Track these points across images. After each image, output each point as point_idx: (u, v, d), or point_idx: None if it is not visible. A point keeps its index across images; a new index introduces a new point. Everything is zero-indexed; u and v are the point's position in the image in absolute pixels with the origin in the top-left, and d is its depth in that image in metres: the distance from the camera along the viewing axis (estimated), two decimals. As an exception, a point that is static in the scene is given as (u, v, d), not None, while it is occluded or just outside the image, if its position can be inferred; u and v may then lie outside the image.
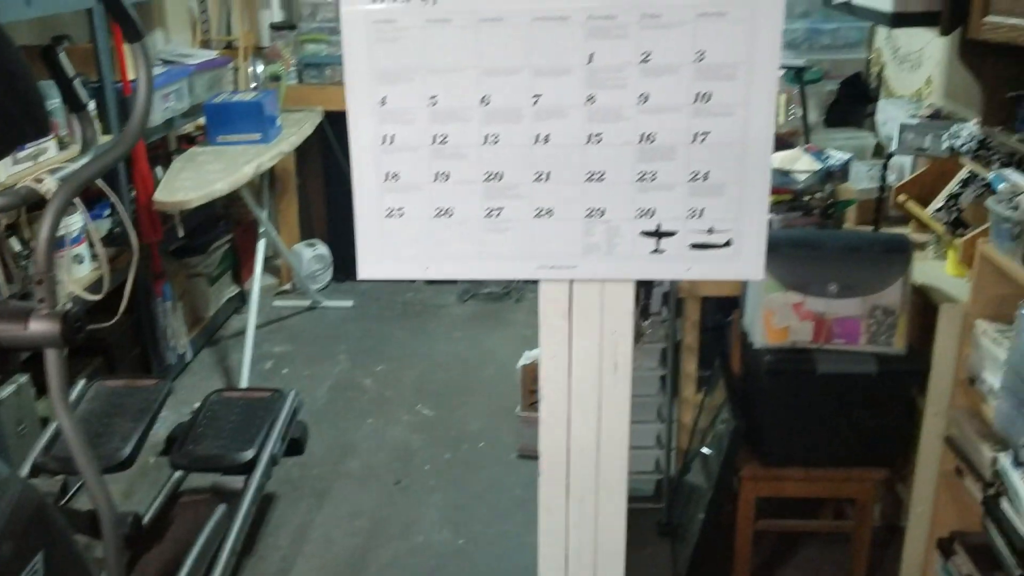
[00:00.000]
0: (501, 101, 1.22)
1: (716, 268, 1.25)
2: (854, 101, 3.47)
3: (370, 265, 1.30)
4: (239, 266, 4.39)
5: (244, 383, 3.55)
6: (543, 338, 1.32)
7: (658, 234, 1.25)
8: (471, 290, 4.48)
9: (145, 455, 2.98)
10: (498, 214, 1.27)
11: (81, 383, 2.69)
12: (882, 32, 3.42)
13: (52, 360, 1.61)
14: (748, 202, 1.22)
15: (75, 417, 1.65)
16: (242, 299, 4.40)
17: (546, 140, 1.23)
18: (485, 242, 1.28)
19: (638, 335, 1.33)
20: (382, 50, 1.22)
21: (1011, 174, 2.15)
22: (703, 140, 1.20)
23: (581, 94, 1.21)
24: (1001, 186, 2.11)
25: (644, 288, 1.42)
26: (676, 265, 1.26)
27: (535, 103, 1.22)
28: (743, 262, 1.25)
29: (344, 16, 1.22)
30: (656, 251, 1.26)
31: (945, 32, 2.23)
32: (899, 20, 2.29)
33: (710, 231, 1.24)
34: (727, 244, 1.24)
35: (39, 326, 1.56)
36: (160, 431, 2.98)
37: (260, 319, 4.06)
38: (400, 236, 1.29)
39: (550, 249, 1.28)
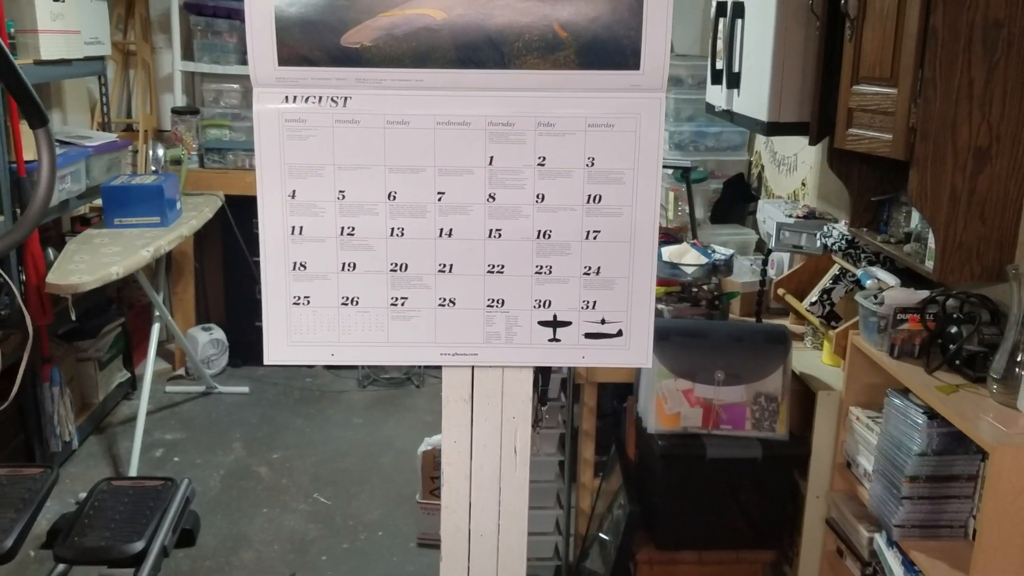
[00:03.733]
0: (407, 197, 1.29)
1: (609, 356, 1.34)
2: (737, 200, 3.70)
3: (276, 351, 1.33)
4: (130, 350, 4.28)
5: (133, 472, 3.44)
6: (445, 422, 1.36)
7: (554, 324, 1.33)
8: (371, 376, 4.48)
9: (26, 548, 2.84)
10: (403, 303, 1.32)
11: (-42, 472, 2.56)
12: (761, 137, 3.68)
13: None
14: (636, 295, 1.31)
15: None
16: (132, 384, 4.28)
17: (449, 234, 1.30)
18: (390, 330, 1.33)
19: (537, 420, 1.40)
20: (293, 146, 1.28)
21: (877, 271, 2.34)
22: (595, 237, 1.30)
23: (482, 192, 1.29)
24: (868, 282, 2.29)
25: (542, 374, 1.49)
26: (571, 353, 1.34)
27: (439, 200, 1.30)
28: (633, 350, 1.33)
29: (257, 113, 1.28)
30: (553, 340, 1.33)
31: (814, 142, 2.44)
32: (773, 129, 2.50)
33: (602, 321, 1.33)
34: (618, 334, 1.33)
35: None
36: (42, 523, 2.85)
37: (152, 405, 3.94)
38: (306, 323, 1.33)
39: (453, 337, 1.34)
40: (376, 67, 1.25)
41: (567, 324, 1.33)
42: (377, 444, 3.86)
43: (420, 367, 4.34)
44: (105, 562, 2.52)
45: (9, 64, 1.70)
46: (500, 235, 1.30)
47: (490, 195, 1.29)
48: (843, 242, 2.52)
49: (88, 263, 3.13)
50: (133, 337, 4.30)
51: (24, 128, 3.18)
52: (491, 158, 1.28)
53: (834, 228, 2.59)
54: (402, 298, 1.32)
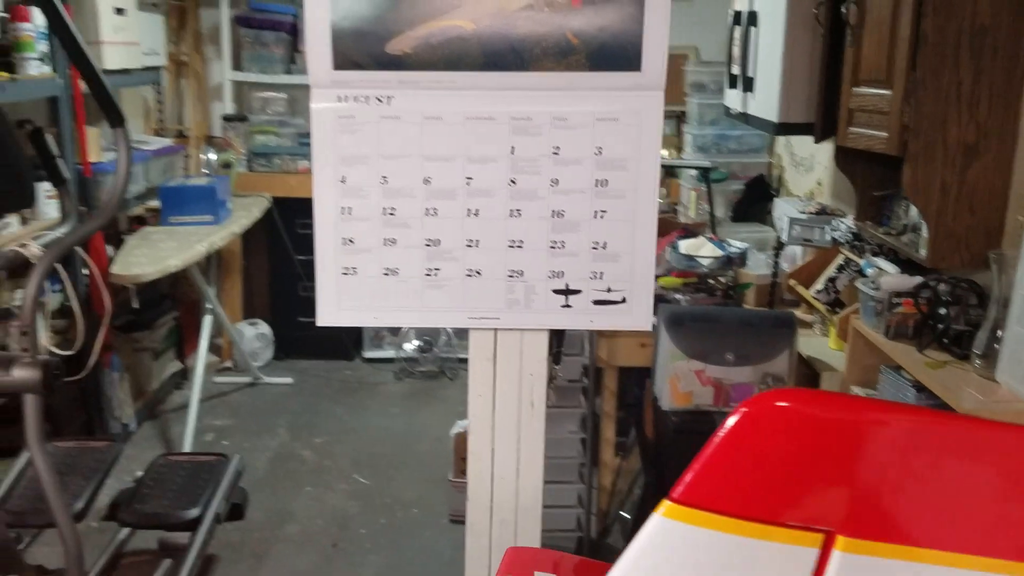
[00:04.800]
0: (440, 182, 1.50)
1: (614, 320, 1.53)
2: (757, 199, 3.87)
3: (327, 315, 1.55)
4: (182, 343, 4.54)
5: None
6: (472, 379, 1.57)
7: (567, 292, 1.53)
8: (407, 369, 4.69)
9: (88, 520, 3.08)
10: (436, 274, 1.53)
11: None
12: (781, 140, 3.85)
13: (31, 406, 1.78)
14: (638, 267, 1.51)
15: (48, 462, 1.80)
16: (183, 375, 4.53)
17: (476, 214, 1.51)
18: (424, 297, 1.54)
19: (551, 377, 1.59)
20: (344, 139, 1.50)
21: (879, 261, 2.51)
22: (602, 217, 1.50)
23: (505, 178, 1.50)
24: (869, 271, 2.46)
25: (556, 336, 1.68)
26: (582, 317, 1.54)
27: (468, 184, 1.50)
28: (635, 315, 1.53)
29: (314, 111, 1.50)
30: (565, 306, 1.53)
31: (818, 140, 2.61)
32: (782, 129, 2.67)
33: (608, 290, 1.53)
34: (622, 301, 1.52)
35: (22, 373, 1.74)
36: (102, 498, 3.09)
37: (201, 394, 4.18)
38: (353, 290, 1.54)
39: (478, 303, 1.54)
40: (415, 71, 1.46)
41: (578, 292, 1.53)
42: (413, 432, 4.07)
43: (453, 360, 4.56)
44: (164, 526, 2.76)
45: (93, 70, 1.94)
46: (520, 214, 1.51)
47: (511, 180, 1.50)
48: (849, 235, 2.68)
49: (148, 256, 3.38)
50: (184, 330, 4.56)
51: (89, 132, 3.46)
52: (513, 148, 1.49)
53: (841, 222, 2.76)
54: (435, 269, 1.53)
